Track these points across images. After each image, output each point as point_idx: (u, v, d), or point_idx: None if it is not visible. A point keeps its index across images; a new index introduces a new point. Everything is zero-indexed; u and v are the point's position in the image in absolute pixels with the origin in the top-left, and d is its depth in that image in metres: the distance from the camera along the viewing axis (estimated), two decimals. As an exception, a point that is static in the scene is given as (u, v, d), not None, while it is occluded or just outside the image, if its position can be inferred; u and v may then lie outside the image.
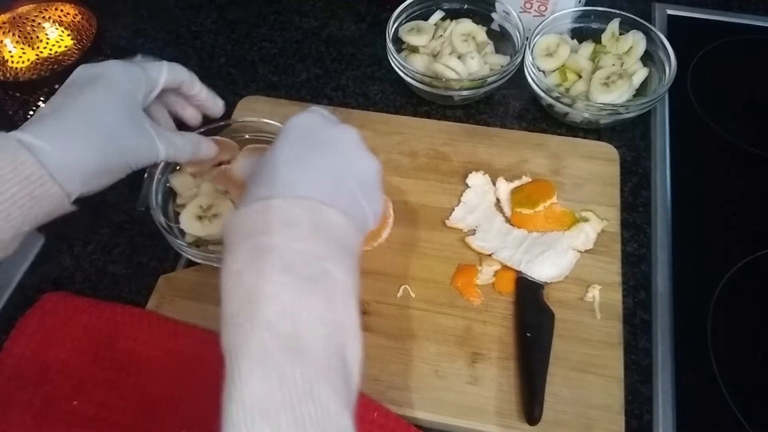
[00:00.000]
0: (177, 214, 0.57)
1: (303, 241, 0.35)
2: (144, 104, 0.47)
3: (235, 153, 0.58)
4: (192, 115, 0.55)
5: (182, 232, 0.56)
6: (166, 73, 0.49)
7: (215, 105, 0.55)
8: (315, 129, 0.42)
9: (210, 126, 0.59)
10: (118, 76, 0.45)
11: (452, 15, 0.74)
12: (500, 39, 0.73)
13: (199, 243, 0.56)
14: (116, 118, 0.44)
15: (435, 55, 0.71)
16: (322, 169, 0.39)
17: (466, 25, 0.72)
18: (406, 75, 0.67)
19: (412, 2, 0.72)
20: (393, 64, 0.68)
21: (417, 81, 0.67)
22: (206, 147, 0.53)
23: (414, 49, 0.73)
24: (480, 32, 0.72)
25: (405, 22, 0.73)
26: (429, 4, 0.74)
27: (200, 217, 0.56)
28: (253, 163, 0.43)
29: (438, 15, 0.74)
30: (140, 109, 0.46)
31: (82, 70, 0.46)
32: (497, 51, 0.72)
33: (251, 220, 0.36)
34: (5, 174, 0.38)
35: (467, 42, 0.70)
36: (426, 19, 0.74)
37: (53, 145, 0.40)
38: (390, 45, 0.67)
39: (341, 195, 0.38)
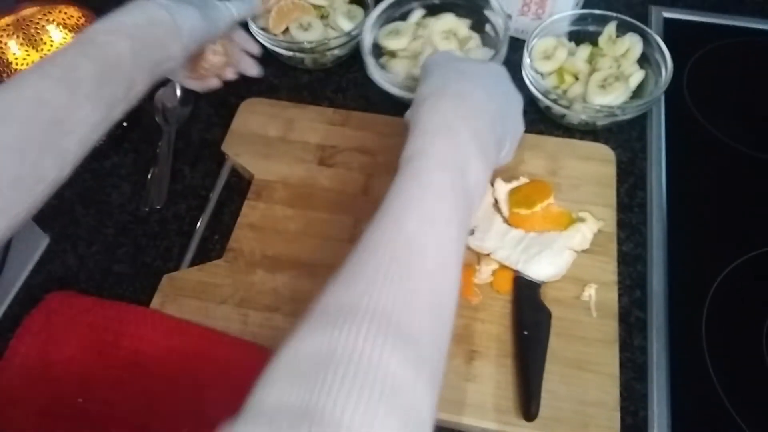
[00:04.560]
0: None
1: (485, 125, 0.45)
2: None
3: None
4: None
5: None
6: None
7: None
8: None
9: None
10: None
11: (435, 10, 0.72)
12: (489, 35, 0.71)
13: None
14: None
15: (417, 57, 0.69)
16: (491, 96, 0.48)
17: (446, 21, 0.70)
18: (390, 84, 0.65)
19: (388, 5, 0.70)
20: (374, 80, 0.67)
21: (400, 89, 0.65)
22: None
23: (393, 54, 0.70)
24: (462, 27, 0.70)
25: (384, 25, 0.71)
26: (407, 2, 0.72)
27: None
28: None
29: (418, 13, 0.72)
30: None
31: None
32: (489, 45, 0.71)
33: (458, 85, 0.47)
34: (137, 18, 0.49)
35: (448, 39, 0.69)
36: (406, 19, 0.72)
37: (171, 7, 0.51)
38: (368, 59, 0.66)
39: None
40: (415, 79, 0.64)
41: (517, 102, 0.52)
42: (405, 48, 0.70)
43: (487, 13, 0.71)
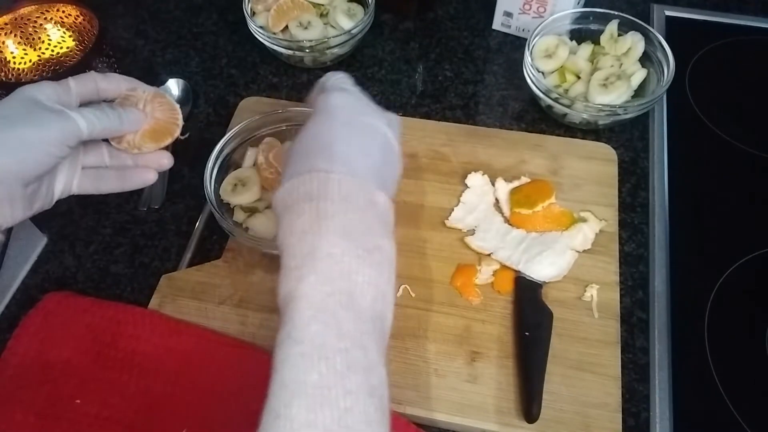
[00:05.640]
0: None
1: (358, 213, 0.38)
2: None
3: (175, 115, 0.50)
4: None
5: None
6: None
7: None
8: (359, 112, 0.44)
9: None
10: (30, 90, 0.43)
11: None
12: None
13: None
14: (12, 104, 0.41)
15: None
16: (371, 155, 0.42)
17: None
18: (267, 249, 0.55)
19: (219, 149, 0.59)
20: (248, 245, 0.56)
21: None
22: (131, 119, 0.47)
23: (252, 210, 0.59)
24: None
25: (219, 177, 0.59)
26: (242, 138, 0.62)
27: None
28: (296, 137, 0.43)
29: (252, 154, 0.61)
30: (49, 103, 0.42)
31: None
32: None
33: (311, 186, 0.38)
34: None
35: None
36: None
37: None
38: (226, 225, 0.55)
39: (384, 180, 0.42)
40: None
41: (376, 132, 0.44)
42: (260, 198, 0.60)
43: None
